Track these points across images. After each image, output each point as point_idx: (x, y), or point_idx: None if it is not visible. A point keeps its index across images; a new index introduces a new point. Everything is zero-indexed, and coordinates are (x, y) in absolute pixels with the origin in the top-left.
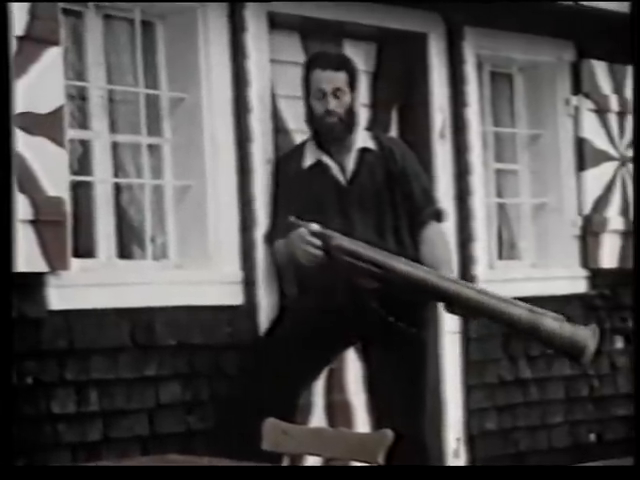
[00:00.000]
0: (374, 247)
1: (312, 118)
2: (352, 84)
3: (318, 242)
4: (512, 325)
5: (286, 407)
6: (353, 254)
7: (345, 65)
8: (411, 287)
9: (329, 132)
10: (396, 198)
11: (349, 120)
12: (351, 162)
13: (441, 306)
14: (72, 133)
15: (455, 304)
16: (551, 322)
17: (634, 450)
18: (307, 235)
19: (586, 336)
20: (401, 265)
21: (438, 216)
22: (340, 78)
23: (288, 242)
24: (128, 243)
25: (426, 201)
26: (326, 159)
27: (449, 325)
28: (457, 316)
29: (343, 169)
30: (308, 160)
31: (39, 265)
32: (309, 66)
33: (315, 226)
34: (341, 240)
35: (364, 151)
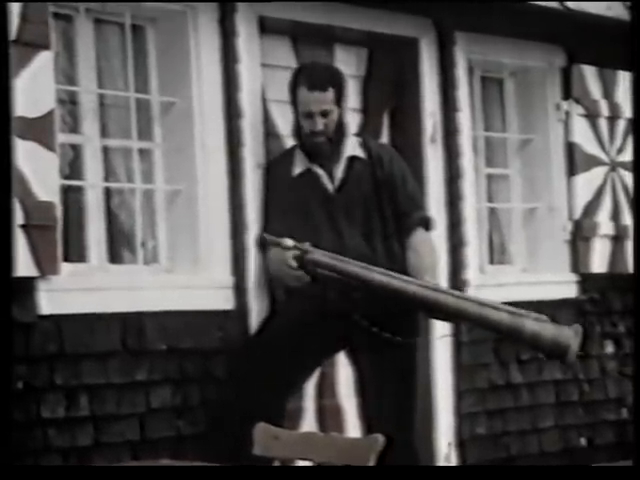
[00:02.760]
0: (350, 259)
1: (300, 134)
2: (340, 99)
3: (296, 265)
4: (494, 329)
5: (275, 411)
6: (329, 268)
7: (333, 81)
8: (390, 297)
9: (317, 150)
10: (384, 205)
11: (337, 136)
12: (340, 170)
13: (423, 313)
14: (63, 137)
15: (435, 311)
16: (533, 324)
17: (633, 452)
18: (289, 260)
19: (569, 336)
20: (378, 276)
21: (426, 224)
22: (328, 98)
23: (270, 262)
24: (119, 248)
25: (413, 208)
26: (315, 168)
27: (440, 329)
28: (440, 321)
29: (332, 177)
30: (297, 168)
31: (29, 270)
32: (296, 80)
33: (289, 242)
34: (316, 254)
35: (353, 159)
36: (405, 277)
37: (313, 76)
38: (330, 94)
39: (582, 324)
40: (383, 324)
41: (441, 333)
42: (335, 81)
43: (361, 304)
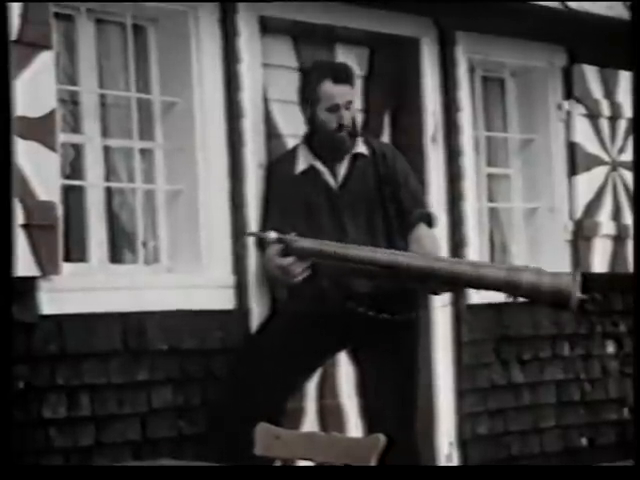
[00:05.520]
0: (338, 244)
1: (315, 129)
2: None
3: (288, 261)
4: (491, 288)
5: (274, 411)
6: (315, 253)
7: (352, 78)
8: (382, 274)
9: (339, 145)
10: (386, 202)
11: (354, 131)
12: (343, 167)
13: (419, 287)
14: (64, 137)
15: (430, 281)
16: (530, 276)
17: (634, 452)
18: (276, 259)
19: (568, 282)
20: (366, 253)
21: (429, 220)
22: (352, 92)
23: (266, 262)
24: (120, 247)
25: (415, 205)
26: (318, 165)
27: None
28: (439, 294)
29: (335, 174)
30: (300, 166)
31: (31, 269)
32: (316, 76)
33: (273, 234)
34: (301, 242)
35: (356, 156)
36: (395, 251)
37: (336, 70)
38: (352, 88)
39: (583, 324)
40: (380, 307)
41: (441, 302)
42: (353, 78)
43: (357, 292)
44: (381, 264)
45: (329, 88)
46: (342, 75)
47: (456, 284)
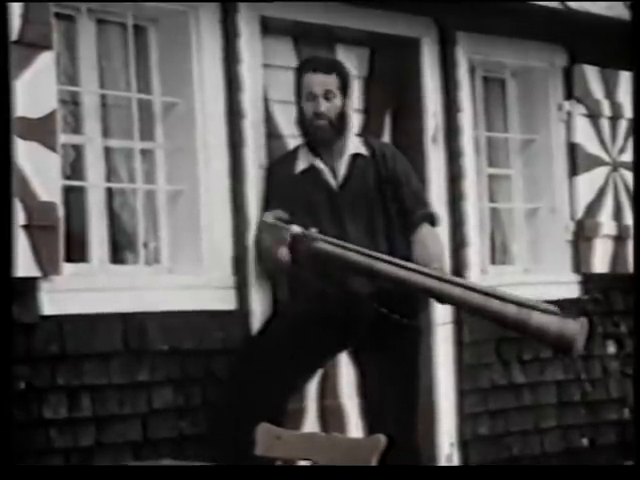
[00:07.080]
0: (358, 248)
1: (302, 120)
2: (344, 88)
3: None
4: (498, 322)
5: (275, 411)
6: (333, 258)
7: (337, 69)
8: (396, 286)
9: (318, 134)
10: (388, 202)
11: (340, 124)
12: (343, 167)
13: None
14: (64, 138)
15: (440, 300)
16: (539, 317)
17: (635, 452)
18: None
19: (575, 330)
20: (383, 266)
21: (432, 220)
22: (331, 81)
23: (257, 241)
24: (120, 248)
25: (417, 205)
26: (318, 164)
27: (442, 315)
28: (442, 304)
29: (335, 174)
30: (301, 165)
31: (31, 270)
32: (301, 70)
33: (296, 228)
34: (322, 244)
35: (356, 156)
36: (410, 265)
37: (318, 62)
38: (333, 78)
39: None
40: (391, 306)
41: (442, 320)
42: (339, 69)
43: (360, 292)
44: (396, 279)
45: (308, 78)
46: (322, 65)
47: (463, 309)
